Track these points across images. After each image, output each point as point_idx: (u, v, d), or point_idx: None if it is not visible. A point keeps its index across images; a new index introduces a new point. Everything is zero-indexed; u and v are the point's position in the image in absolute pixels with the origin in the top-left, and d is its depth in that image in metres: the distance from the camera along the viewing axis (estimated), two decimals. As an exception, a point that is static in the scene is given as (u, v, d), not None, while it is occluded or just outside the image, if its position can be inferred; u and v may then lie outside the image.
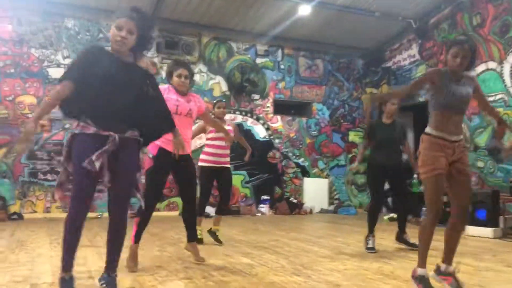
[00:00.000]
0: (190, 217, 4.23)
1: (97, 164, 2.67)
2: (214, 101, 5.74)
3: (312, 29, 10.23)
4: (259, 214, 9.89)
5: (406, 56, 10.54)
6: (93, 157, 2.66)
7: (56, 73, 8.89)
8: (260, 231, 6.88)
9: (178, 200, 9.54)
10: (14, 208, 8.33)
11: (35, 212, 8.49)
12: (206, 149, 5.55)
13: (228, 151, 5.59)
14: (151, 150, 3.94)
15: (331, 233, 6.89)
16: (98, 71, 2.75)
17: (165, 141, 3.76)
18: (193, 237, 4.28)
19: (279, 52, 10.97)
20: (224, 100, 5.84)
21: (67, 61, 9.01)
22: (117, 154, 2.78)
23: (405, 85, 9.87)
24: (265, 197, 10.25)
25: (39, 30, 8.91)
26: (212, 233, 5.50)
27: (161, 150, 3.87)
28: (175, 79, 4.08)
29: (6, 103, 8.52)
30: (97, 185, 2.81)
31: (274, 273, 3.83)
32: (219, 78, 10.32)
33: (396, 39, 10.74)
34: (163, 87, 3.86)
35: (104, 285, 2.85)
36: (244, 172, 10.19)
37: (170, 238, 5.90)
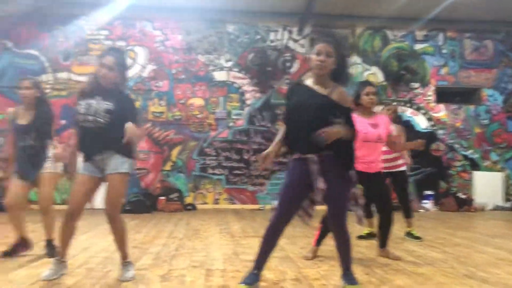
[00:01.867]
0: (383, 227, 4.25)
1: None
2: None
3: (478, 7, 9.21)
4: (422, 210, 9.31)
5: None
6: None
7: (220, 76, 9.65)
8: (424, 228, 6.46)
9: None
10: (188, 199, 9.30)
11: (205, 203, 9.35)
12: None
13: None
14: None
15: (509, 232, 6.14)
16: (294, 103, 3.06)
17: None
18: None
19: (440, 35, 10.16)
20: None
21: (229, 64, 9.69)
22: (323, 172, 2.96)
23: None
24: (428, 192, 9.61)
25: (204, 37, 9.75)
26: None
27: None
28: (364, 97, 4.11)
29: (179, 105, 9.53)
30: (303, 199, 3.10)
31: (442, 274, 3.56)
32: (374, 69, 10.00)
33: None
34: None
35: (346, 282, 3.10)
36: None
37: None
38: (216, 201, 9.41)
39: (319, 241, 4.25)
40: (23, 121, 4.15)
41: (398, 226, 6.12)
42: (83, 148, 3.34)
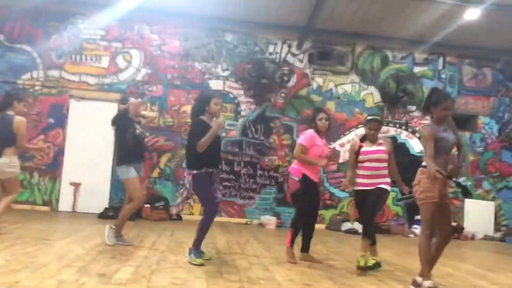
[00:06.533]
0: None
1: None
2: (368, 118, 5.15)
3: (480, 34, 9.15)
4: (412, 236, 9.12)
5: None
6: None
7: (215, 85, 9.45)
8: (414, 255, 6.23)
9: (326, 213, 9.35)
10: (174, 209, 9.03)
11: (192, 214, 9.08)
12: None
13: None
14: (295, 174, 5.01)
15: (502, 266, 5.97)
16: None
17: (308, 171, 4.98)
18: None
19: (440, 60, 10.09)
20: (377, 118, 5.16)
21: (226, 73, 9.51)
22: None
23: None
24: (418, 217, 9.43)
25: (203, 45, 9.57)
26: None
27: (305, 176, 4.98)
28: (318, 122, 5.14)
29: (172, 112, 9.31)
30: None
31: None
32: (371, 89, 9.88)
33: None
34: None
35: None
36: (396, 189, 9.51)
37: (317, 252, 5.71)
38: (203, 213, 9.14)
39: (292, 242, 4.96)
40: None
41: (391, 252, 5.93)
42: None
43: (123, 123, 5.28)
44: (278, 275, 4.21)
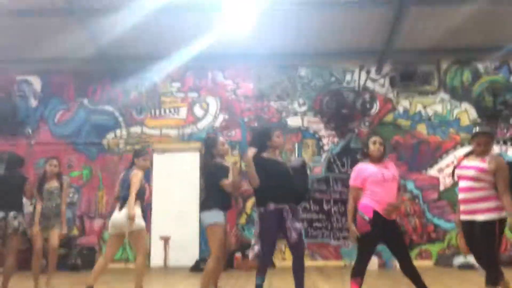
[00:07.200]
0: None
1: None
2: (475, 131, 4.05)
3: None
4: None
5: None
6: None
7: (293, 121, 9.12)
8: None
9: (432, 247, 8.42)
10: (266, 256, 8.56)
11: (284, 259, 8.54)
12: None
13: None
14: (365, 211, 4.08)
15: None
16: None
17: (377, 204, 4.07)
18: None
19: (541, 64, 9.03)
20: (486, 130, 4.04)
21: (303, 108, 9.16)
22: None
23: None
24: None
25: (276, 83, 9.34)
26: None
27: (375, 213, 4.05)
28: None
29: (253, 155, 9.02)
30: None
31: None
32: (465, 105, 9.00)
33: None
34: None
35: None
36: None
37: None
38: (295, 257, 8.59)
39: None
40: None
41: None
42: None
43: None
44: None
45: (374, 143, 4.29)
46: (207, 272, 4.38)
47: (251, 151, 4.40)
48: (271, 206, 4.21)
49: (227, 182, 4.47)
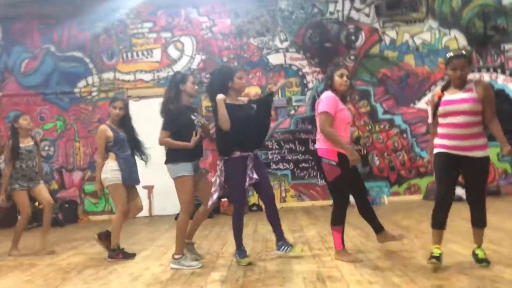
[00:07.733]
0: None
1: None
2: (449, 56, 3.54)
3: None
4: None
5: None
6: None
7: (276, 59, 8.62)
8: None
9: (421, 182, 8.28)
10: (253, 199, 8.38)
11: (272, 202, 8.38)
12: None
13: None
14: (329, 157, 3.82)
15: None
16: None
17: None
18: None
19: (534, -16, 8.50)
20: (462, 53, 3.49)
21: (285, 44, 8.64)
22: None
23: None
24: (534, 171, 8.11)
25: (255, 18, 8.74)
26: None
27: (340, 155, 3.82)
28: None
29: (234, 96, 8.60)
30: None
31: None
32: (454, 33, 8.53)
33: None
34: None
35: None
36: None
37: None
38: (283, 199, 8.44)
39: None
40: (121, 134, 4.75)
41: None
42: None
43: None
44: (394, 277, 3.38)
45: (341, 75, 3.89)
46: (179, 227, 4.12)
47: (220, 95, 3.99)
48: (237, 153, 4.00)
49: (191, 143, 4.05)
